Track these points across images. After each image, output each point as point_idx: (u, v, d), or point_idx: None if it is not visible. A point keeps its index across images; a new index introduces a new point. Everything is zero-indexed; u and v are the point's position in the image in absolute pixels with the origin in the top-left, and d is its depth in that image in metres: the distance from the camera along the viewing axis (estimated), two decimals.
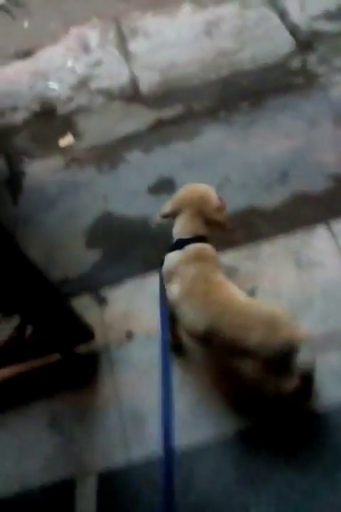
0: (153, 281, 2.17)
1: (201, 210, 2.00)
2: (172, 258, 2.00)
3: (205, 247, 1.99)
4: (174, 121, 3.20)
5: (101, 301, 2.45)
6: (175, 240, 2.03)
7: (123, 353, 2.29)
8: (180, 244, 2.00)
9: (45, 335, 2.02)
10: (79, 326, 2.15)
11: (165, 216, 2.08)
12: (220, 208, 2.01)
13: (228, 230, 2.10)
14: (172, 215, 2.05)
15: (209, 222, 2.01)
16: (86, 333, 2.19)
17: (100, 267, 2.60)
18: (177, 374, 2.16)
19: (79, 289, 2.50)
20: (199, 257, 1.95)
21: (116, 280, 2.51)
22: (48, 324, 1.99)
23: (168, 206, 2.07)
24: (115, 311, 2.42)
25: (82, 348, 2.26)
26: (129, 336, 2.32)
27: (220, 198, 2.04)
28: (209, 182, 2.12)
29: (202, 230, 2.00)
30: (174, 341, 2.13)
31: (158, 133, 3.16)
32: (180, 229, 2.02)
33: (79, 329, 2.17)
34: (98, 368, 2.27)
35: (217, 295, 1.87)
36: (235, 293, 1.89)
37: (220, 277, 1.94)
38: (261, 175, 2.78)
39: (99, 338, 2.31)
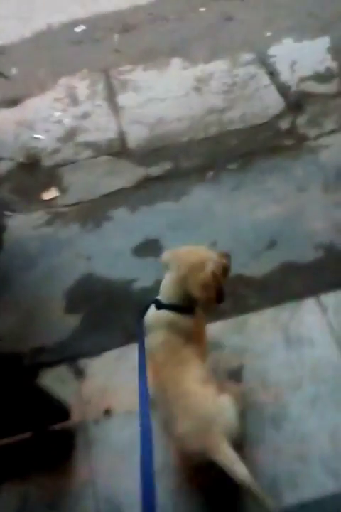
0: (134, 352, 2.02)
1: (186, 279, 1.88)
2: (149, 316, 1.95)
3: (179, 319, 1.89)
4: (161, 179, 3.14)
5: (79, 374, 2.31)
6: (156, 298, 1.96)
7: (101, 432, 2.14)
8: (158, 305, 1.93)
9: (14, 418, 1.88)
10: (53, 406, 2.02)
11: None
12: (209, 283, 1.86)
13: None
14: (166, 266, 1.97)
15: (191, 295, 1.89)
16: (61, 412, 2.05)
17: (79, 334, 2.46)
18: (158, 457, 2.04)
19: (56, 359, 2.36)
20: (169, 328, 1.88)
21: (96, 350, 2.37)
22: (17, 409, 1.85)
23: (165, 255, 1.99)
24: (93, 384, 2.27)
25: (56, 425, 2.12)
26: (108, 413, 2.18)
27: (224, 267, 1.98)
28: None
29: (180, 301, 1.90)
30: None
31: (145, 190, 3.09)
32: (162, 287, 1.95)
33: (54, 410, 2.03)
34: (73, 447, 2.11)
35: (170, 370, 1.82)
36: (192, 375, 1.80)
37: (185, 353, 1.85)
38: (248, 241, 2.70)
39: (76, 415, 2.16)
